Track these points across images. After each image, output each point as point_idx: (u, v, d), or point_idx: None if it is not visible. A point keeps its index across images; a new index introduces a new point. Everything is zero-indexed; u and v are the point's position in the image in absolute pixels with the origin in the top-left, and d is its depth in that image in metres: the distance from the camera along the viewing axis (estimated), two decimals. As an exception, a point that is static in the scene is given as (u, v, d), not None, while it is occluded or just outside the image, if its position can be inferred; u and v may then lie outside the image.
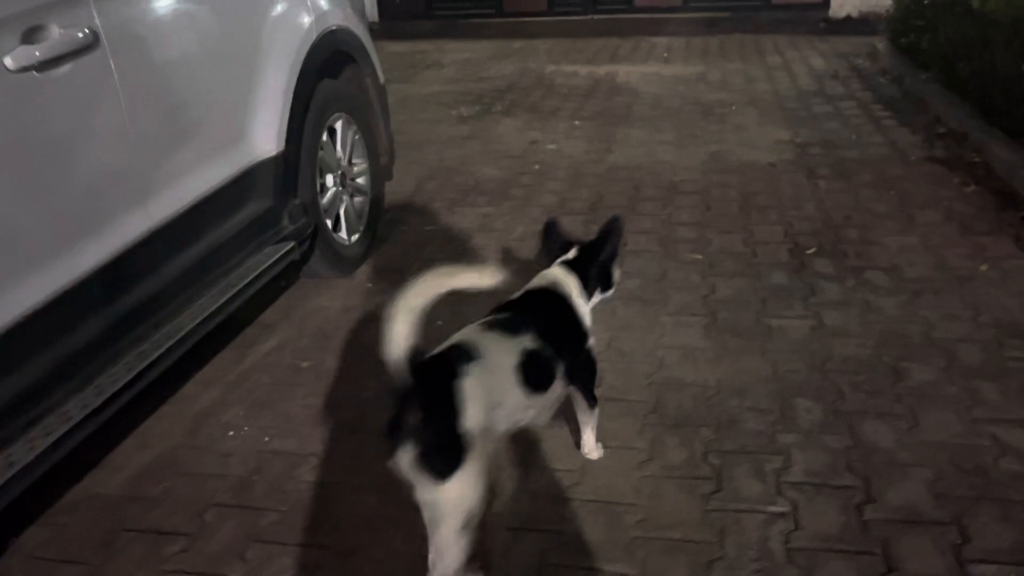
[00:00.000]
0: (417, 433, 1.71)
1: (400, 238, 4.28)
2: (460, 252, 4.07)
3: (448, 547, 1.77)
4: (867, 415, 2.66)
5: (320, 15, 3.65)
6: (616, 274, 2.39)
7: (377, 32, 11.21)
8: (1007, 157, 4.49)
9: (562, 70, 8.05)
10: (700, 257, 3.84)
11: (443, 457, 1.72)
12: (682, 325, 3.27)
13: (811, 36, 9.29)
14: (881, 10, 9.74)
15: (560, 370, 2.11)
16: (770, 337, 3.15)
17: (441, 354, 1.88)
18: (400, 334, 1.67)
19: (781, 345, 3.09)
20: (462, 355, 1.85)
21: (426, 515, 1.81)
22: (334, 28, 3.77)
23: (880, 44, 7.73)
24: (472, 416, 1.75)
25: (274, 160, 3.22)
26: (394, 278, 3.77)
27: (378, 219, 4.25)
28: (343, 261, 3.80)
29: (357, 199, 4.02)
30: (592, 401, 2.36)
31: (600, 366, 2.48)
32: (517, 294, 2.26)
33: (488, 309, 2.17)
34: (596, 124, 6.11)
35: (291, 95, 3.35)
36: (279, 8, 3.36)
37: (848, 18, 10.07)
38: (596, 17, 10.82)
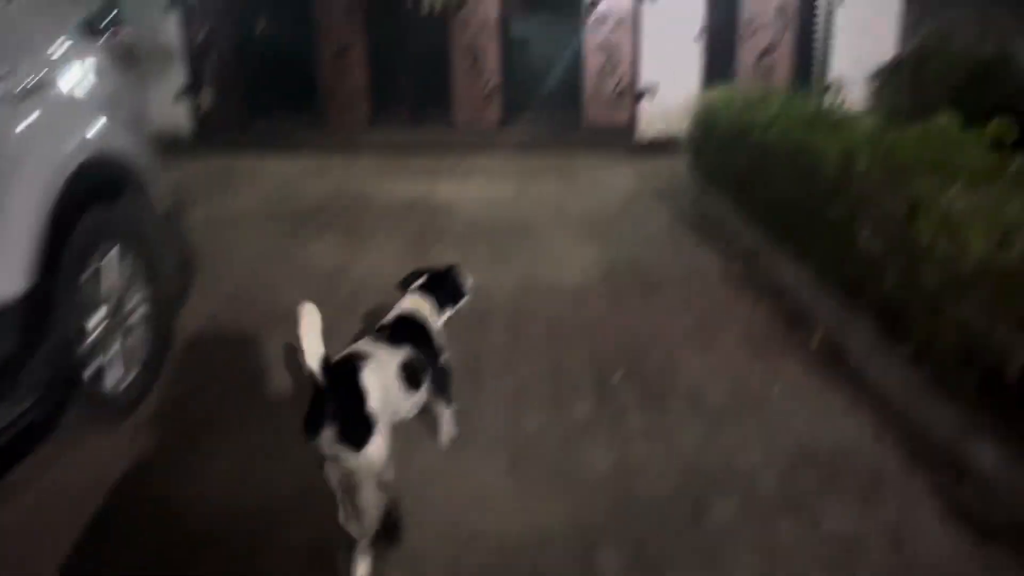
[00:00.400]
0: (336, 416, 2.24)
1: (186, 376, 3.89)
2: (252, 390, 3.73)
3: (368, 504, 2.33)
4: (667, 565, 2.53)
5: (85, 136, 3.33)
6: (468, 282, 3.17)
7: (191, 145, 10.86)
8: (795, 277, 4.70)
9: (381, 188, 7.95)
10: (506, 389, 3.68)
11: (358, 431, 2.27)
12: (484, 466, 3.07)
13: (622, 157, 9.73)
14: (684, 133, 10.41)
15: (426, 376, 2.77)
16: (574, 476, 3.01)
17: (344, 358, 2.47)
18: (313, 346, 2.22)
19: (583, 487, 2.95)
20: (360, 358, 2.45)
21: (345, 484, 2.35)
22: (104, 150, 3.45)
23: (682, 167, 8.15)
24: (374, 399, 2.34)
25: (17, 300, 2.81)
26: (173, 426, 3.38)
27: (161, 358, 3.85)
28: (110, 410, 3.36)
29: (133, 337, 3.61)
30: (448, 401, 3.09)
31: (402, 519, 2.66)
32: (388, 319, 2.89)
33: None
34: (411, 245, 5.99)
35: (45, 225, 2.97)
36: (27, 129, 3.01)
37: (656, 140, 10.66)
38: (419, 135, 10.91)
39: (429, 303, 2.98)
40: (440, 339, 2.94)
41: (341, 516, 2.47)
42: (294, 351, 2.87)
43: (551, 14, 10.82)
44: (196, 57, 10.81)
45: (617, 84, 10.67)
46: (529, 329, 4.38)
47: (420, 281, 3.03)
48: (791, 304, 4.58)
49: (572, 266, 5.45)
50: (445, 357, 2.95)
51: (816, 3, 10.36)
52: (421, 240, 6.11)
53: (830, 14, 10.27)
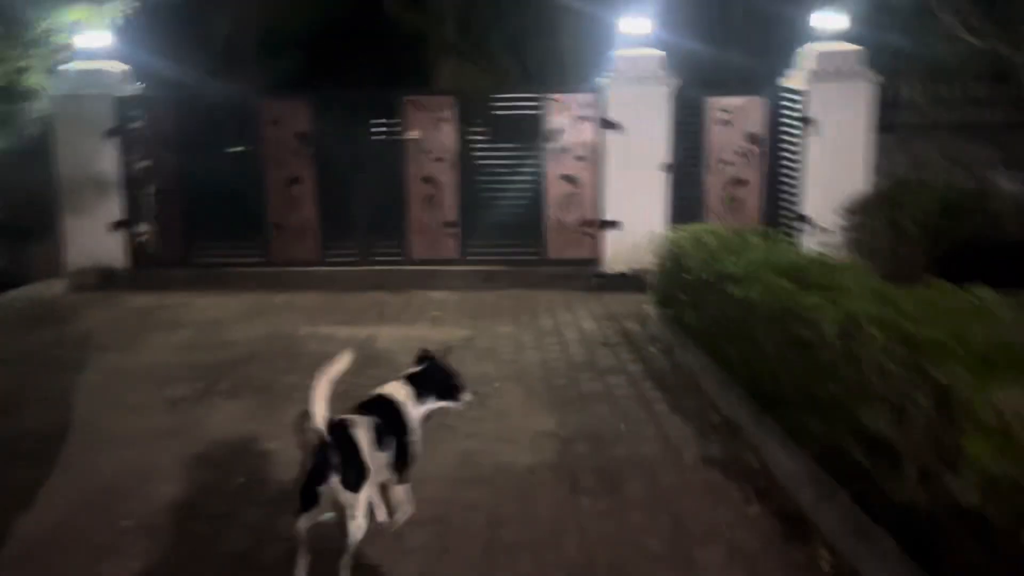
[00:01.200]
0: (339, 467, 2.93)
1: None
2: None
3: (359, 528, 2.97)
4: None
5: None
6: (465, 395, 3.64)
7: (126, 279, 9.99)
8: (788, 466, 3.83)
9: (318, 332, 7.07)
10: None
11: (356, 478, 2.98)
12: None
13: (585, 293, 9.00)
14: (652, 266, 9.73)
15: (390, 444, 3.25)
16: None
17: (339, 422, 3.07)
18: (321, 410, 2.96)
19: None
20: (348, 423, 3.10)
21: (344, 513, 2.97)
22: None
23: (650, 308, 7.39)
24: (364, 453, 3.04)
25: None
26: None
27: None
28: None
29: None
30: (404, 476, 3.41)
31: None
32: (368, 397, 3.44)
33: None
34: (333, 408, 5.04)
35: None
36: None
37: (621, 275, 9.96)
38: (370, 268, 10.14)
39: (408, 390, 3.48)
40: (412, 422, 3.41)
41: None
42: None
43: (512, 143, 10.33)
44: (133, 187, 10.07)
45: (580, 217, 10.05)
46: (462, 536, 3.43)
47: (410, 371, 3.58)
48: (787, 504, 3.68)
49: (523, 440, 4.54)
50: (414, 439, 3.40)
51: (784, 134, 9.94)
52: (346, 400, 5.18)
53: (801, 145, 9.83)
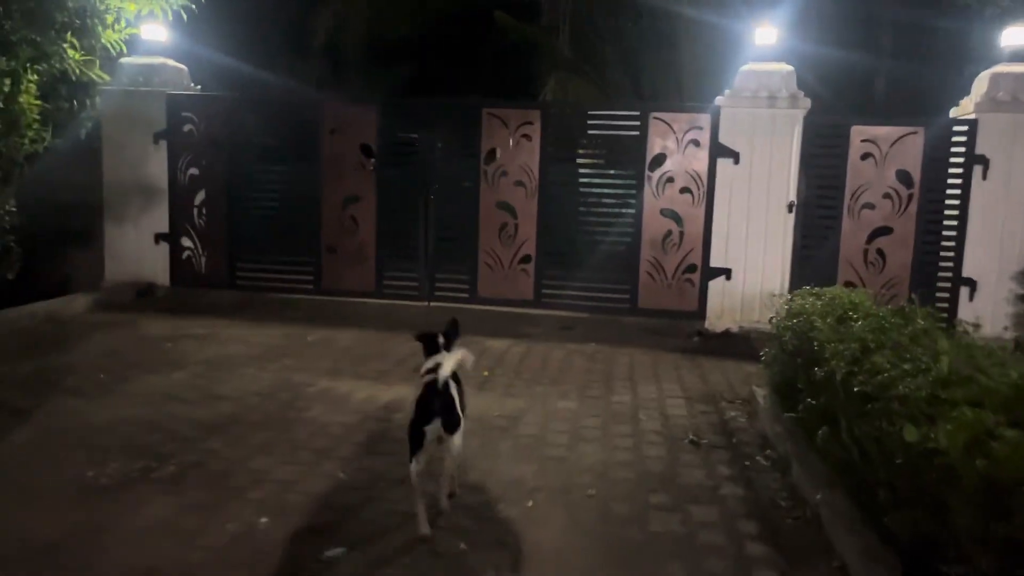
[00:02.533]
0: (442, 413, 3.43)
1: None
2: None
3: (455, 459, 3.64)
4: None
5: None
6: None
7: (160, 299, 8.84)
8: None
9: (331, 391, 5.56)
10: None
11: (454, 423, 3.48)
12: None
13: (679, 355, 7.18)
14: (766, 326, 7.82)
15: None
16: None
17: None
18: (447, 372, 3.47)
19: None
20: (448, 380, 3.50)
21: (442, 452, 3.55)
22: None
23: (760, 391, 5.52)
24: (458, 403, 3.55)
25: None
26: None
27: None
28: None
29: None
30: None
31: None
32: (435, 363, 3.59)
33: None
34: (296, 525, 3.48)
35: None
36: None
37: (727, 333, 8.09)
38: (433, 304, 8.63)
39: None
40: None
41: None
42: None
43: (606, 168, 8.64)
44: (179, 196, 8.93)
45: (682, 261, 8.24)
46: None
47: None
48: None
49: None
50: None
51: (945, 175, 7.84)
52: (311, 514, 3.60)
53: (968, 190, 7.73)
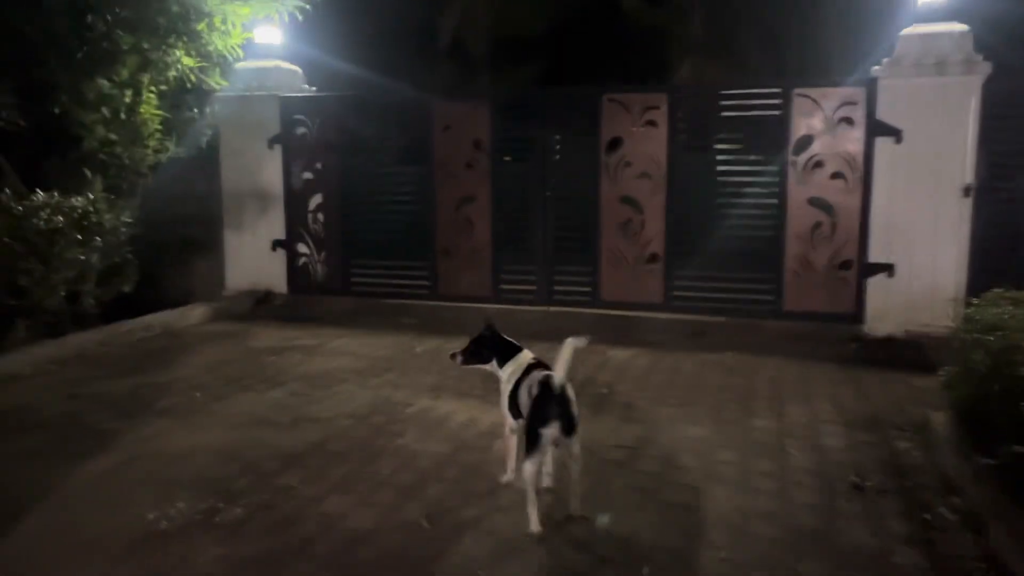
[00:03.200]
0: (561, 416, 3.32)
1: None
2: None
3: (578, 463, 3.45)
4: None
5: None
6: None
7: (279, 308, 8.62)
8: None
9: (433, 410, 5.00)
10: None
11: (572, 426, 3.36)
12: None
13: (834, 366, 6.15)
14: (939, 330, 6.64)
15: None
16: None
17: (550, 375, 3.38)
18: (562, 369, 3.30)
19: None
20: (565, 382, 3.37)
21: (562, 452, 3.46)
22: None
23: (938, 417, 4.48)
24: (574, 405, 3.38)
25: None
26: None
27: None
28: None
29: None
30: None
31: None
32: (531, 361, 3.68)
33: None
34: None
35: None
36: None
37: (890, 339, 6.94)
38: (552, 309, 7.95)
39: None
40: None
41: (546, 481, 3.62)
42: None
43: (742, 154, 7.66)
44: (294, 201, 8.68)
45: (834, 256, 7.16)
46: None
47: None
48: None
49: None
50: None
51: None
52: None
53: None
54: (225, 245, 8.88)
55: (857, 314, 7.11)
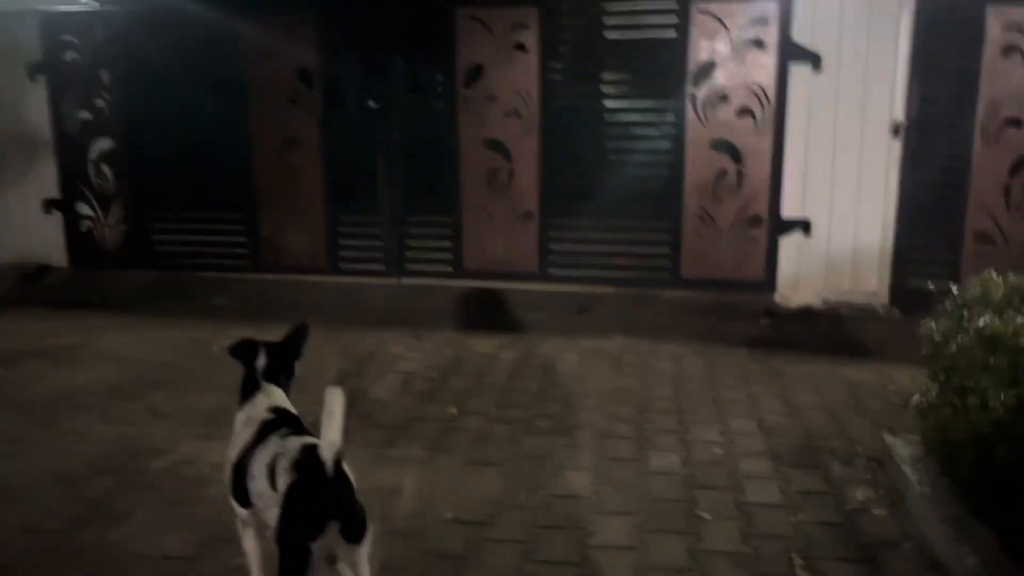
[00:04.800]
0: (339, 511, 2.00)
1: None
2: None
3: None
4: None
5: None
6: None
7: (52, 289, 6.60)
8: None
9: (194, 462, 3.43)
10: None
11: (359, 526, 2.05)
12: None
13: (745, 351, 4.88)
14: (862, 299, 5.49)
15: None
16: None
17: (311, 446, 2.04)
18: (334, 434, 1.95)
19: None
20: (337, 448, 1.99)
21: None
22: None
23: (902, 448, 3.20)
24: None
25: None
26: None
27: None
28: None
29: None
30: None
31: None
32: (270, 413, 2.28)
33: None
34: None
35: None
36: None
37: (806, 311, 5.74)
38: (405, 281, 6.38)
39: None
40: None
41: None
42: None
43: (629, 89, 6.21)
44: (69, 149, 6.70)
45: (741, 211, 5.86)
46: None
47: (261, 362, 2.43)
48: None
49: None
50: None
51: None
52: None
53: None
54: (-19, 205, 6.84)
55: (768, 281, 5.88)
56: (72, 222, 6.75)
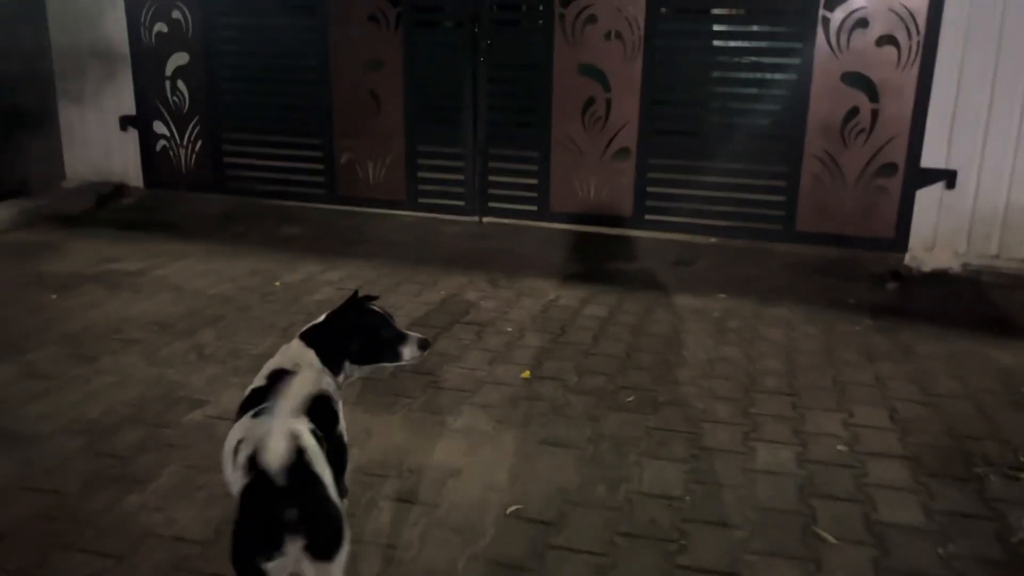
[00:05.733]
0: (302, 521, 1.59)
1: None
2: None
3: None
4: None
5: None
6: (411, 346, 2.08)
7: (125, 210, 6.34)
8: None
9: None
10: None
11: (331, 538, 1.63)
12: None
13: (869, 320, 4.18)
14: (1011, 266, 4.67)
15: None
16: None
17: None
18: (281, 444, 1.53)
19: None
20: (300, 442, 1.65)
21: None
22: None
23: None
24: (330, 488, 1.70)
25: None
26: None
27: None
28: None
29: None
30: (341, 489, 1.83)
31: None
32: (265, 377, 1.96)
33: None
34: None
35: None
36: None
37: (942, 275, 4.96)
38: (486, 220, 5.87)
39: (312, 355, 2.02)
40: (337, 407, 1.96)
41: None
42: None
43: (749, 9, 5.40)
44: (144, 64, 6.37)
45: (873, 159, 5.05)
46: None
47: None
48: None
49: None
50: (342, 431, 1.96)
51: None
52: None
53: None
54: (61, 120, 6.62)
55: (899, 239, 5.09)
56: (148, 141, 6.48)
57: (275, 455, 1.51)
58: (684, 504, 2.52)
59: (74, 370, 3.37)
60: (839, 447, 2.90)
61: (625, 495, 2.56)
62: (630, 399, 3.24)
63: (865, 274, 4.93)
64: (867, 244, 5.11)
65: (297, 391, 1.60)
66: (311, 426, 1.74)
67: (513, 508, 2.47)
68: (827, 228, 5.17)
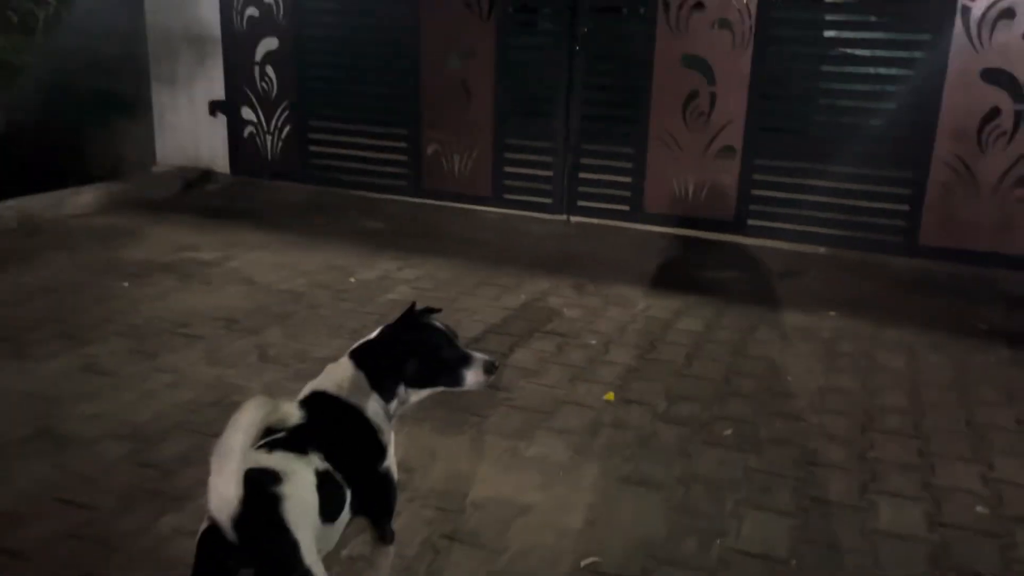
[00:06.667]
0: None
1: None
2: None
3: None
4: None
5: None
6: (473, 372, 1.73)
7: (210, 196, 6.27)
8: None
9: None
10: None
11: None
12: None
13: (1007, 351, 3.64)
14: None
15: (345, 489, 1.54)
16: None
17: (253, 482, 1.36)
18: (231, 480, 1.25)
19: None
20: (271, 484, 1.38)
21: None
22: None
23: None
24: (303, 546, 1.36)
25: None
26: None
27: None
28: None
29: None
30: (385, 531, 1.75)
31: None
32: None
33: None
34: None
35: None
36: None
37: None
38: (574, 219, 5.53)
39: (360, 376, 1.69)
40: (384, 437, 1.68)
41: None
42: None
43: (875, 7, 4.84)
44: (235, 48, 6.28)
45: (1014, 166, 4.46)
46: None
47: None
48: None
49: None
50: (389, 467, 1.70)
51: None
52: None
53: None
54: (154, 104, 6.61)
55: (1041, 259, 4.47)
56: (235, 127, 6.39)
57: (223, 502, 1.22)
58: (790, 569, 2.13)
59: (132, 367, 3.21)
60: (978, 508, 2.44)
61: (720, 553, 2.19)
62: (728, 432, 2.84)
63: (1000, 296, 4.36)
64: (1003, 262, 4.53)
65: (250, 420, 1.29)
66: (325, 466, 1.46)
67: (589, 560, 2.13)
68: (956, 242, 4.61)
